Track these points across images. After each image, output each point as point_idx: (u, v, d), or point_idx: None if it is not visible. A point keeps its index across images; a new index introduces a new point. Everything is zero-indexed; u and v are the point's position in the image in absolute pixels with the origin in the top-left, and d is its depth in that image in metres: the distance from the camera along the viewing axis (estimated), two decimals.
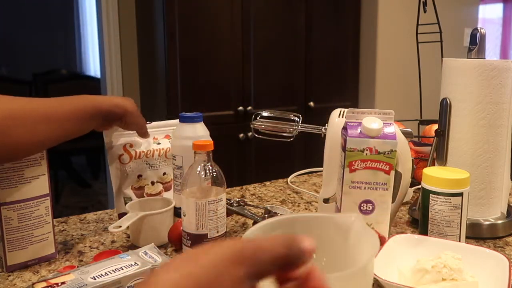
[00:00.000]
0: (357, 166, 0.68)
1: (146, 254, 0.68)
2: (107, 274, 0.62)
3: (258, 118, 0.99)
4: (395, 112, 0.71)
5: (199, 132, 0.81)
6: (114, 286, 0.62)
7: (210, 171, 0.71)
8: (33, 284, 0.60)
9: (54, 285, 0.59)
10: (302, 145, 2.49)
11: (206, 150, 0.70)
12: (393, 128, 0.69)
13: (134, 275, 0.63)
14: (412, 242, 0.71)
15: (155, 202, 0.84)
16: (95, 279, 0.61)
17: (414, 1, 1.30)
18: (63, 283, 0.60)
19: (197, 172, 0.70)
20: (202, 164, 0.70)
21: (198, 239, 0.70)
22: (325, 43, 2.59)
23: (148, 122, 0.92)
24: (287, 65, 2.49)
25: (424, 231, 0.75)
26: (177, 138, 0.82)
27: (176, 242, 0.77)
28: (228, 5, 2.27)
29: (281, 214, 0.81)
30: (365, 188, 0.69)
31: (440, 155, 0.87)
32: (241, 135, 2.35)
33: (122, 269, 0.64)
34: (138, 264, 0.65)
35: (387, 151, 0.68)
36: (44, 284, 0.59)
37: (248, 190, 1.13)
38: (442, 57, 1.07)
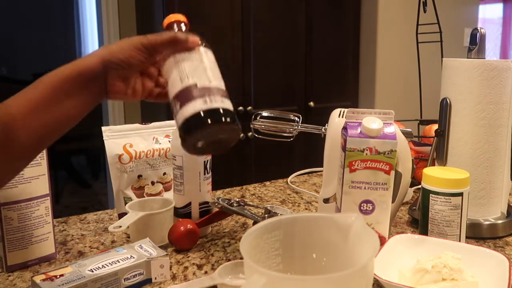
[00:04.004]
0: (357, 166, 0.68)
1: (141, 247, 0.70)
2: (104, 267, 0.64)
3: (258, 118, 0.99)
4: (395, 112, 0.71)
5: None
6: (111, 278, 0.63)
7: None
8: (32, 276, 0.61)
9: (53, 277, 0.60)
10: (302, 145, 2.49)
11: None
12: (393, 128, 0.69)
13: (130, 268, 0.65)
14: (412, 242, 0.71)
15: (155, 202, 0.84)
16: (92, 271, 0.62)
17: (414, 1, 1.30)
18: (61, 275, 0.61)
19: None
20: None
21: (185, 94, 0.57)
22: (325, 43, 2.59)
23: (146, 123, 0.92)
24: (287, 65, 2.49)
25: (424, 231, 0.75)
26: (177, 138, 0.81)
27: (176, 242, 0.77)
28: (228, 5, 2.27)
29: (281, 214, 0.81)
30: (365, 188, 0.69)
31: (440, 155, 0.87)
32: (241, 135, 2.35)
33: (119, 262, 0.65)
34: (134, 257, 0.66)
35: (387, 151, 0.68)
36: (43, 276, 0.60)
37: (248, 190, 1.13)
38: (442, 57, 1.07)
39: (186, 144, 0.56)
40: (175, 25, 0.66)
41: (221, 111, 0.55)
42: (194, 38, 0.62)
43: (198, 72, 0.58)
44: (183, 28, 0.66)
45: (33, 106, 0.55)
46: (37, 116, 0.55)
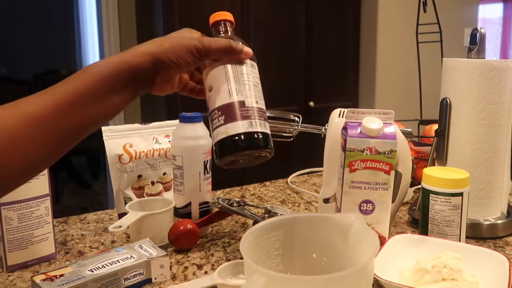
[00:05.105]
0: (357, 166, 0.68)
1: (141, 247, 0.70)
2: (104, 267, 0.64)
3: None
4: (395, 112, 0.71)
5: (199, 132, 0.81)
6: (111, 278, 0.63)
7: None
8: (32, 276, 0.61)
9: (53, 277, 0.60)
10: (302, 145, 2.49)
11: (223, 18, 0.65)
12: (393, 128, 0.69)
13: (130, 268, 0.65)
14: (412, 242, 0.71)
15: (155, 202, 0.84)
16: (92, 271, 0.62)
17: (414, 1, 1.30)
18: (61, 275, 0.61)
19: None
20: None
21: (232, 110, 0.58)
22: (325, 43, 2.59)
23: (146, 123, 0.92)
24: (287, 65, 2.49)
25: (424, 231, 0.75)
26: (177, 138, 0.82)
27: (176, 242, 0.77)
28: (228, 5, 2.27)
29: (281, 214, 0.81)
30: (365, 188, 0.69)
31: (440, 155, 0.87)
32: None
33: (119, 262, 0.65)
34: (134, 257, 0.66)
35: (387, 151, 0.68)
36: (43, 276, 0.61)
37: (248, 190, 1.13)
38: (442, 57, 1.07)
39: (223, 160, 0.59)
40: (222, 25, 0.66)
41: (262, 136, 0.59)
42: (248, 50, 0.62)
43: (247, 89, 0.60)
44: (229, 29, 0.66)
45: (79, 96, 0.53)
46: (83, 106, 0.54)
